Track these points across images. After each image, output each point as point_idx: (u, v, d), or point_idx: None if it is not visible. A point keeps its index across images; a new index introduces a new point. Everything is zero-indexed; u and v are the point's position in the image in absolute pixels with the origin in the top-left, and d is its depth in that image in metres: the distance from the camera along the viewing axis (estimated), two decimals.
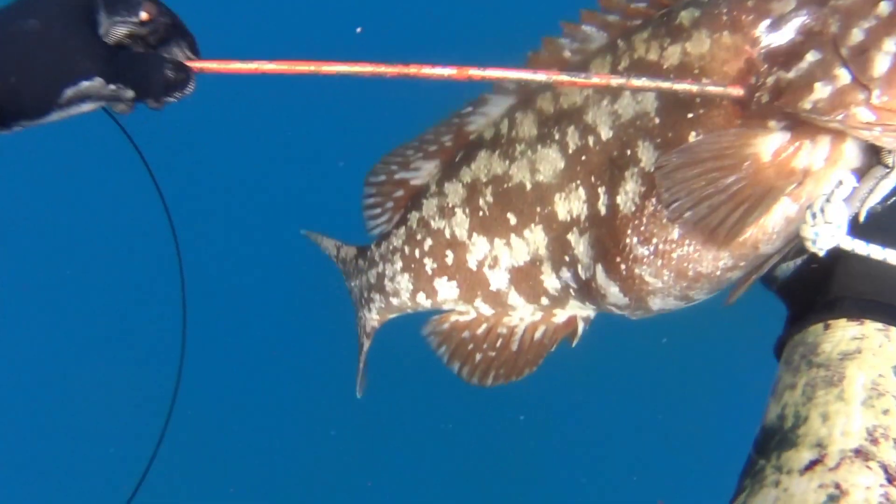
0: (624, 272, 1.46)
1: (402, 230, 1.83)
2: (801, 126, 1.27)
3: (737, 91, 1.29)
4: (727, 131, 1.30)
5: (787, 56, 1.28)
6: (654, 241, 1.41)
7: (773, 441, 1.17)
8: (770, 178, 1.27)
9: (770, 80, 1.29)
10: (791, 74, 1.27)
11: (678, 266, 1.40)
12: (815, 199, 1.28)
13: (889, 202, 1.27)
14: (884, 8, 1.23)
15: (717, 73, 1.33)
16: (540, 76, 1.33)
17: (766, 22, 1.30)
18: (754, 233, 1.33)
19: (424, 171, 1.81)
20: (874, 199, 1.27)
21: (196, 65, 1.27)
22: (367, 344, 1.97)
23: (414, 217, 1.81)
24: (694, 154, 1.30)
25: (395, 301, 1.88)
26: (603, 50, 1.49)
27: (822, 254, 1.27)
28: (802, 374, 1.21)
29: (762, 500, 1.10)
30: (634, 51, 1.43)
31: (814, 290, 1.30)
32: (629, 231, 1.43)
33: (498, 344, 1.74)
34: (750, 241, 1.34)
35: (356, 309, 1.99)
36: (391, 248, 1.86)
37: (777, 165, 1.27)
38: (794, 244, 1.34)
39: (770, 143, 1.28)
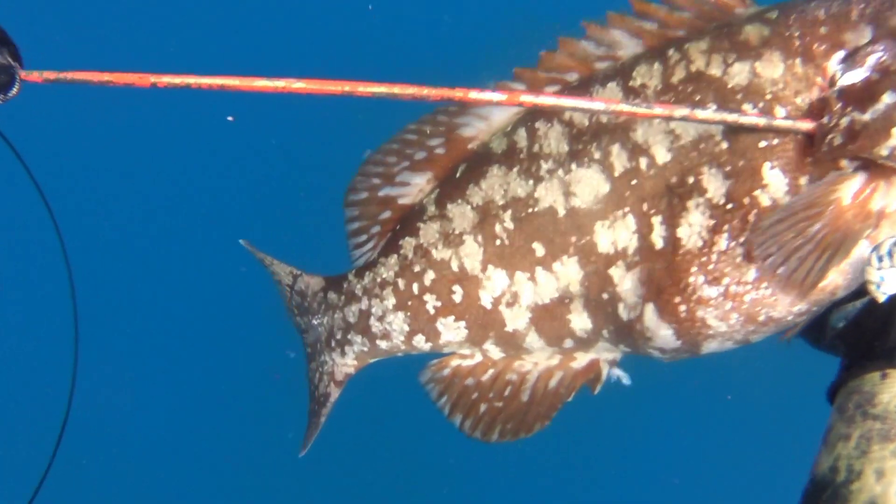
0: (683, 314, 1.33)
1: (394, 259, 1.57)
2: (876, 166, 1.20)
3: (807, 126, 1.22)
4: (821, 183, 1.23)
5: (862, 95, 1.22)
6: (726, 281, 1.30)
7: (825, 495, 1.13)
8: (849, 222, 1.22)
9: (844, 122, 1.22)
10: (867, 117, 1.21)
11: (750, 310, 1.31)
12: (884, 241, 1.21)
13: None
14: None
15: (790, 103, 1.26)
16: (598, 105, 1.24)
17: (840, 55, 1.24)
18: (834, 278, 1.27)
19: (414, 187, 1.56)
20: None
21: (24, 72, 1.20)
22: (335, 394, 1.67)
23: (409, 244, 1.55)
24: (789, 209, 1.23)
25: (383, 344, 1.61)
26: (648, 57, 1.36)
27: (883, 299, 1.21)
28: (857, 425, 1.17)
29: None
30: (692, 62, 1.31)
31: (872, 336, 1.25)
32: (694, 269, 1.31)
33: (506, 393, 1.53)
34: (829, 288, 1.28)
35: (317, 352, 1.70)
36: (380, 280, 1.58)
37: (855, 208, 1.22)
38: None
39: (851, 187, 1.21)
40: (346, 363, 1.67)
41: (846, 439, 1.16)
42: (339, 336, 1.66)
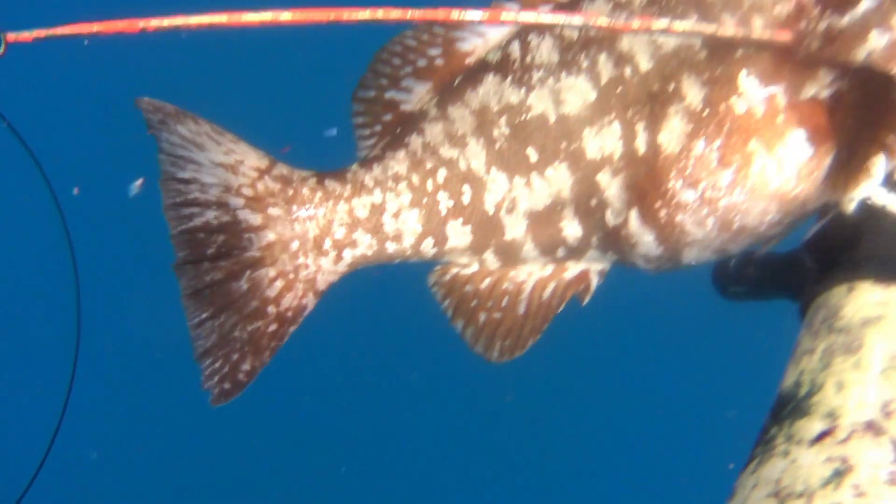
0: (663, 219, 1.41)
1: (403, 154, 1.55)
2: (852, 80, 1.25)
3: (785, 37, 1.25)
4: None
5: (840, 0, 1.26)
6: (702, 186, 1.37)
7: (787, 409, 1.17)
8: None
9: (821, 26, 1.27)
10: (845, 20, 1.25)
11: (724, 216, 1.38)
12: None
13: None
14: None
15: (766, 12, 1.31)
16: (577, 20, 1.27)
17: None
18: (805, 187, 1.33)
19: (415, 95, 1.58)
20: None
21: (13, 34, 1.17)
22: (311, 306, 1.54)
23: (416, 141, 1.56)
24: None
25: (391, 247, 1.56)
26: None
27: (852, 207, 1.26)
28: (822, 338, 1.21)
29: (770, 470, 1.10)
30: None
31: (840, 249, 1.30)
32: (673, 174, 1.38)
33: (504, 303, 1.57)
34: (801, 198, 1.35)
35: (289, 256, 1.53)
36: (392, 173, 1.55)
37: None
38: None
39: None
40: (335, 270, 1.56)
41: (811, 353, 1.20)
42: (339, 234, 1.56)
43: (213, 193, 1.53)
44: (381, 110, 1.58)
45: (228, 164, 1.53)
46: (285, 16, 1.25)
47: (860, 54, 1.23)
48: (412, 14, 1.27)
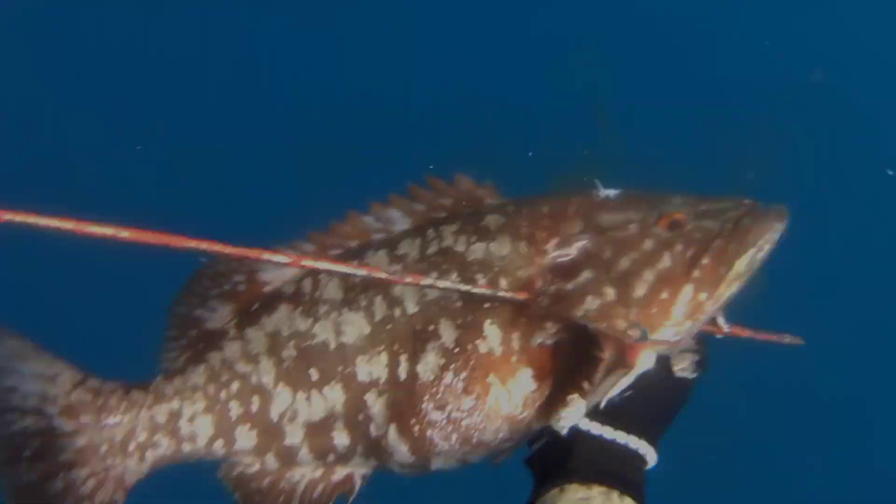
0: (416, 433, 1.71)
1: (203, 367, 1.83)
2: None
3: (522, 297, 1.64)
4: None
5: (568, 270, 1.69)
6: (448, 408, 1.69)
7: None
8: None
9: (552, 288, 1.68)
10: (569, 286, 1.68)
11: (465, 433, 1.70)
12: None
13: (624, 395, 1.67)
14: (647, 245, 1.68)
15: (511, 275, 1.71)
16: (361, 272, 1.63)
17: (556, 240, 1.72)
18: (529, 413, 1.68)
19: (218, 315, 1.87)
20: (614, 392, 1.67)
21: None
22: (121, 501, 1.77)
23: (215, 357, 1.83)
24: None
25: (186, 447, 1.81)
26: (412, 233, 1.81)
27: (564, 432, 1.63)
28: None
29: None
30: (443, 240, 1.77)
31: (555, 461, 1.65)
32: (426, 397, 1.70)
33: (280, 501, 1.83)
34: (526, 421, 1.70)
35: (99, 457, 1.75)
36: (190, 384, 1.82)
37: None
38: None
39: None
40: (138, 470, 1.80)
41: None
42: (142, 437, 1.79)
43: (31, 402, 1.75)
44: (188, 326, 1.88)
45: (47, 375, 1.78)
46: (124, 233, 1.49)
47: (578, 312, 1.64)
48: (230, 250, 1.56)
